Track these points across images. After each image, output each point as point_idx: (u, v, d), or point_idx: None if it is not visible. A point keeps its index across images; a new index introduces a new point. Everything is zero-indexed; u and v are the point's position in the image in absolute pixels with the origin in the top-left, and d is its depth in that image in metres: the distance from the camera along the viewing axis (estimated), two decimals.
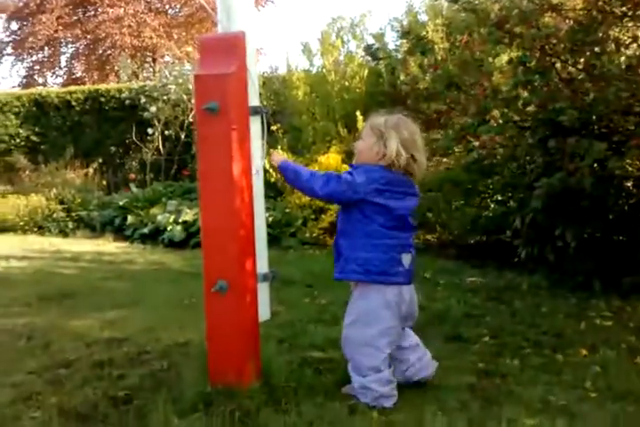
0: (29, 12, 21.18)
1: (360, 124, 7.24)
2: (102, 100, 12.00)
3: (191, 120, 10.28)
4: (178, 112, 10.52)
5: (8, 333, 3.85)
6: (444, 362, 3.02)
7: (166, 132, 10.69)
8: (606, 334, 3.53)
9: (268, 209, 3.00)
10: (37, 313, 4.34)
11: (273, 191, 7.58)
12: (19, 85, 22.19)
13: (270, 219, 6.93)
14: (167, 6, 22.58)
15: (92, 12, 21.64)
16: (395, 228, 2.64)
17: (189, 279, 5.27)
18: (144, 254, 7.09)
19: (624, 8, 4.38)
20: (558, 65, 4.75)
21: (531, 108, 4.93)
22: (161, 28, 20.79)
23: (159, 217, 7.85)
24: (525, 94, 4.87)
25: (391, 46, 8.25)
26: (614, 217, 4.69)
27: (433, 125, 6.43)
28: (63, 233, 8.86)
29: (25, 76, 22.74)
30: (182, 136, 10.62)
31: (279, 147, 7.78)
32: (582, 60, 4.64)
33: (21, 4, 21.50)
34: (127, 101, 11.47)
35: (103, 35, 20.63)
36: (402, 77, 7.44)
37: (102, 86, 12.82)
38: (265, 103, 8.76)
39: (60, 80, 22.95)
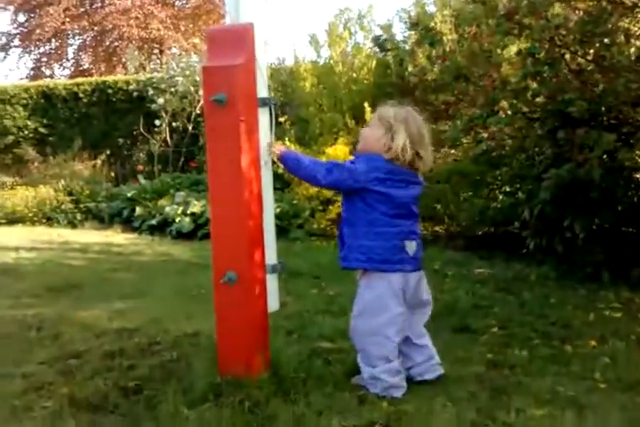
0: (36, 4, 21.13)
1: (368, 115, 7.22)
2: (110, 91, 11.99)
3: (198, 112, 10.26)
4: (185, 104, 10.50)
5: (18, 323, 3.88)
6: (453, 353, 3.03)
7: (174, 124, 10.68)
8: (615, 326, 3.52)
9: (275, 201, 3.00)
10: (46, 304, 4.36)
11: (280, 183, 7.55)
12: (26, 77, 22.16)
13: (278, 210, 6.91)
14: None
15: (100, 4, 21.59)
16: (397, 216, 2.65)
17: (197, 270, 5.29)
18: (152, 246, 7.12)
19: None
20: (567, 56, 4.72)
21: (540, 100, 4.91)
22: (168, 20, 20.75)
23: (167, 208, 7.88)
24: (534, 85, 4.84)
25: (399, 37, 8.26)
26: (623, 208, 4.68)
27: (441, 117, 6.43)
28: (72, 224, 8.90)
29: (32, 68, 22.72)
30: (190, 128, 10.61)
31: (286, 138, 7.77)
32: (592, 51, 4.61)
33: None
34: (135, 93, 11.46)
35: (110, 26, 20.60)
36: (410, 69, 7.41)
37: (110, 78, 12.80)
38: (272, 95, 8.76)
39: (67, 72, 22.96)
